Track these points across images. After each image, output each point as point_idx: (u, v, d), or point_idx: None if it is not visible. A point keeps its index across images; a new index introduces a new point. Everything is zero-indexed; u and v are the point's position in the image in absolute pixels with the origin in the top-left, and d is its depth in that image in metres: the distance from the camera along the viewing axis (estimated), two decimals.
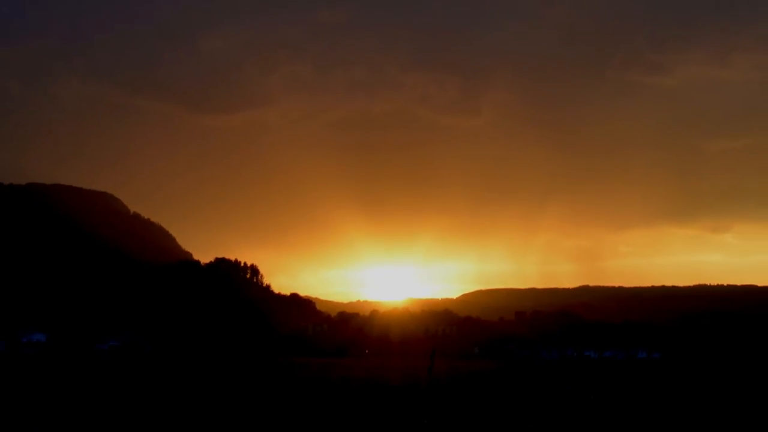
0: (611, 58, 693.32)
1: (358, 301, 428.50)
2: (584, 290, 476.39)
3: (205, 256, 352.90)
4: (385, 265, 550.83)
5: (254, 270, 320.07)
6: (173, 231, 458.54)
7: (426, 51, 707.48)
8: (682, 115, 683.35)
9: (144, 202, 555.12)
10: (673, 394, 71.90)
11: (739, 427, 46.84)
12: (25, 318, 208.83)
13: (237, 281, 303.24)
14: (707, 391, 75.74)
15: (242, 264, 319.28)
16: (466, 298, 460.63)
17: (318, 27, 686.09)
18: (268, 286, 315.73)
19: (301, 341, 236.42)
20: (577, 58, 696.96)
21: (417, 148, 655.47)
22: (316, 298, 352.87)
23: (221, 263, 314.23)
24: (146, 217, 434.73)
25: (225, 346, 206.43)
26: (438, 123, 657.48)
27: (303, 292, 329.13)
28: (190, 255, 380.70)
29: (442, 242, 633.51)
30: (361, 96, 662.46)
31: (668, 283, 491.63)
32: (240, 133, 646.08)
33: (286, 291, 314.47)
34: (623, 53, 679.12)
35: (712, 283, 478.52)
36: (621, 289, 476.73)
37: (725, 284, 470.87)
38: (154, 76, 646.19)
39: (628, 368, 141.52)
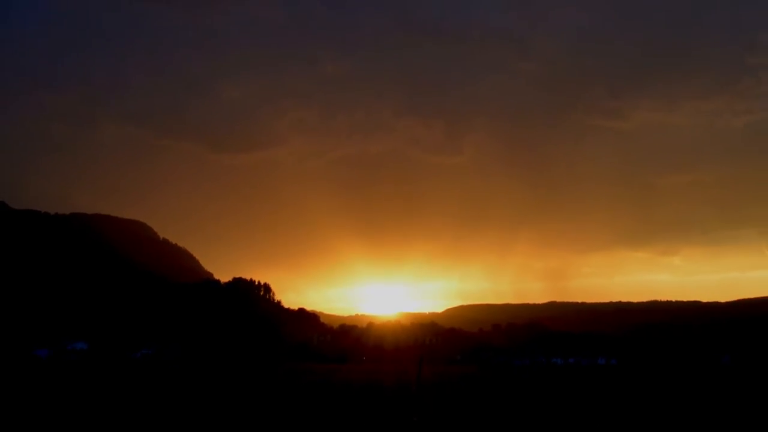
0: (575, 105, 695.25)
1: (357, 314, 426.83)
2: (552, 305, 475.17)
3: (224, 276, 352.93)
4: (380, 284, 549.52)
5: (267, 288, 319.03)
6: (197, 254, 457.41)
7: (416, 99, 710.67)
8: (636, 155, 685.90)
9: (172, 229, 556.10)
10: (627, 395, 71.97)
11: (682, 423, 46.98)
12: (69, 328, 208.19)
13: (252, 298, 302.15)
14: (656, 392, 75.80)
15: (257, 283, 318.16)
16: (449, 312, 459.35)
17: (322, 78, 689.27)
18: (278, 302, 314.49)
19: (307, 349, 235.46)
20: (546, 106, 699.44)
21: (408, 183, 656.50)
22: (320, 312, 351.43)
23: (238, 282, 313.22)
24: (174, 242, 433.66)
25: (242, 354, 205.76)
26: (426, 161, 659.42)
27: (309, 307, 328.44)
28: (212, 275, 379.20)
29: (429, 264, 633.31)
30: (360, 138, 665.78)
31: (624, 299, 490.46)
32: (255, 169, 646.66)
33: (294, 306, 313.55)
34: (585, 101, 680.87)
35: (662, 299, 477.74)
36: (583, 304, 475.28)
37: (673, 300, 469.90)
38: (181, 120, 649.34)
39: (588, 373, 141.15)
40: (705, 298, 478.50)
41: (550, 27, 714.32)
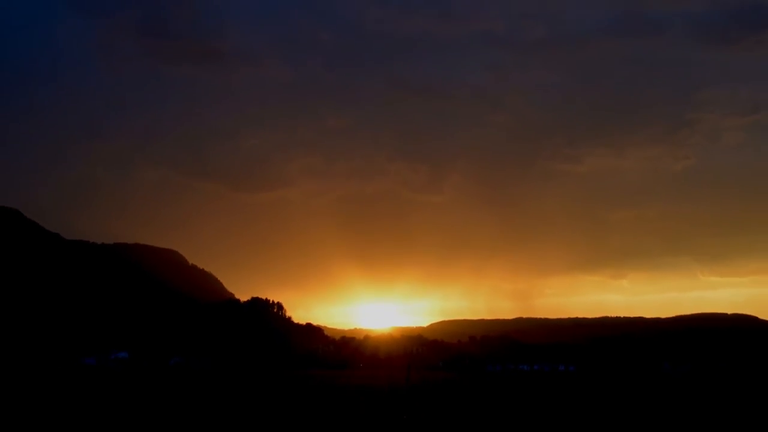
0: (539, 152, 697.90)
1: (355, 328, 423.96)
2: (520, 321, 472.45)
3: (244, 296, 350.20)
4: (375, 302, 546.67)
5: (280, 306, 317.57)
6: (221, 277, 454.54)
7: (405, 147, 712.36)
8: (590, 194, 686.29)
9: (199, 256, 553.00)
10: (584, 396, 72.20)
11: (634, 417, 47.39)
12: (113, 341, 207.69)
13: (267, 314, 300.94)
14: (609, 393, 76.13)
15: (271, 301, 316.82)
16: (433, 326, 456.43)
17: (325, 130, 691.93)
18: (289, 318, 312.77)
19: (313, 358, 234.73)
20: (514, 152, 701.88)
21: (398, 218, 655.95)
22: (324, 326, 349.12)
23: (256, 301, 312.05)
24: (201, 267, 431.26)
25: (259, 361, 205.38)
26: (413, 199, 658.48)
27: (315, 322, 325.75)
28: (233, 295, 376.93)
29: (416, 285, 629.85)
30: (358, 180, 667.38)
31: (580, 315, 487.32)
32: (269, 206, 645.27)
33: (302, 321, 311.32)
34: (548, 149, 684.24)
35: (612, 315, 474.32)
36: (546, 319, 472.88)
37: (622, 316, 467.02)
38: (207, 164, 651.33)
39: (551, 378, 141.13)
40: (648, 314, 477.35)
41: (520, 86, 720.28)
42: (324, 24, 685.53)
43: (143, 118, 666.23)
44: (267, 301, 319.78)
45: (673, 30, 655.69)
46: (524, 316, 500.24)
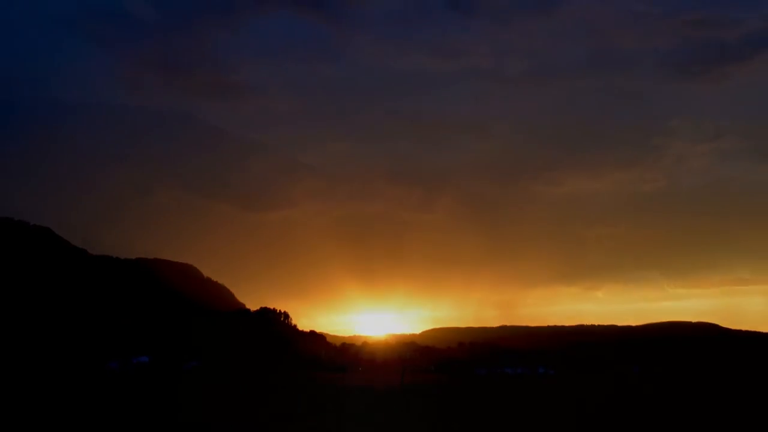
0: (523, 175, 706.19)
1: (354, 335, 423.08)
2: (504, 328, 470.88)
3: (253, 306, 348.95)
4: (372, 312, 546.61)
5: (286, 315, 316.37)
6: (233, 289, 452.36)
7: (400, 170, 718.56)
8: (569, 213, 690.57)
9: (213, 270, 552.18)
10: (563, 394, 72.57)
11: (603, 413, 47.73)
12: (135, 346, 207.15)
13: (275, 322, 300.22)
14: (584, 392, 76.49)
15: (279, 311, 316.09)
16: (425, 333, 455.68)
17: (328, 155, 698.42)
18: (295, 325, 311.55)
19: (317, 362, 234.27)
20: (501, 176, 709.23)
21: (393, 235, 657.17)
22: (327, 333, 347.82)
23: (265, 310, 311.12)
24: (215, 280, 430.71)
25: (267, 366, 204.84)
26: (407, 218, 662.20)
27: (318, 329, 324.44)
28: (244, 305, 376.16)
29: (410, 296, 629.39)
30: (358, 201, 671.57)
31: (559, 323, 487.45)
32: (277, 224, 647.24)
33: (307, 329, 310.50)
34: (530, 172, 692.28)
35: (587, 323, 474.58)
36: (527, 327, 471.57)
37: (596, 324, 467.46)
38: (220, 186, 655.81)
39: (532, 379, 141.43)
40: (621, 322, 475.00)
41: (504, 115, 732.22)
42: (327, 60, 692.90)
43: (164, 145, 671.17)
44: (274, 310, 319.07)
45: (643, 64, 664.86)
46: (508, 324, 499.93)
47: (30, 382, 78.50)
